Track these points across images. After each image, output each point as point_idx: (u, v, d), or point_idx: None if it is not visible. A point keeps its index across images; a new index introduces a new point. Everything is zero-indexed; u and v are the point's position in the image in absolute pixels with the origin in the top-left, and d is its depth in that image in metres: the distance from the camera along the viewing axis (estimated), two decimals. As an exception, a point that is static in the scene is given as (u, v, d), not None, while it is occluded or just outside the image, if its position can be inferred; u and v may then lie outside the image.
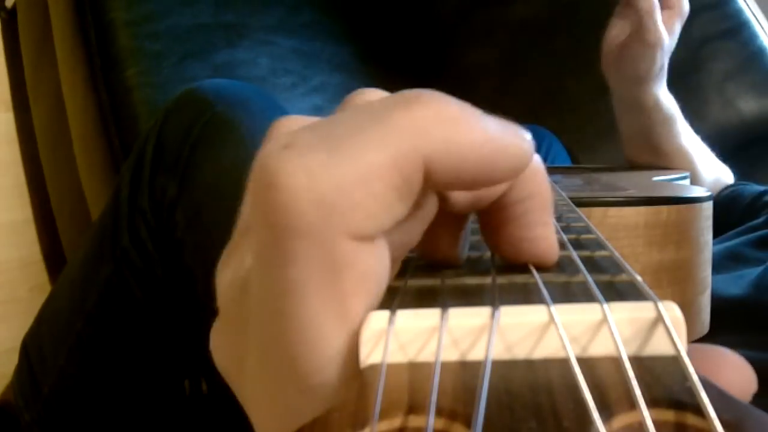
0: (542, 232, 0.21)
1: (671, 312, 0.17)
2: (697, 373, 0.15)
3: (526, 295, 0.19)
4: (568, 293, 0.19)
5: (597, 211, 0.49)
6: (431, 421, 0.14)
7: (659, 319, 0.17)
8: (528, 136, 0.19)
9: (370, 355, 0.17)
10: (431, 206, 0.20)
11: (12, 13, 1.28)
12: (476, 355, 0.17)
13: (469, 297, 0.19)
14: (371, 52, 1.28)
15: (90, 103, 0.99)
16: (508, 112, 0.21)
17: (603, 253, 0.24)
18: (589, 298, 0.18)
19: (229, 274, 0.20)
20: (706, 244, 0.53)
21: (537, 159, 0.20)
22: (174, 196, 0.72)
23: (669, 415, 0.14)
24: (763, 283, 0.60)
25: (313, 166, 0.16)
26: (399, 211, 0.17)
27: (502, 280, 0.21)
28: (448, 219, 0.22)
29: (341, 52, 1.24)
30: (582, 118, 1.18)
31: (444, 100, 0.18)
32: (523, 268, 0.22)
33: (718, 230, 0.79)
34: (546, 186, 0.20)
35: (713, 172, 0.87)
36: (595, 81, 0.99)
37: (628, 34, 0.77)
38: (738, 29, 1.19)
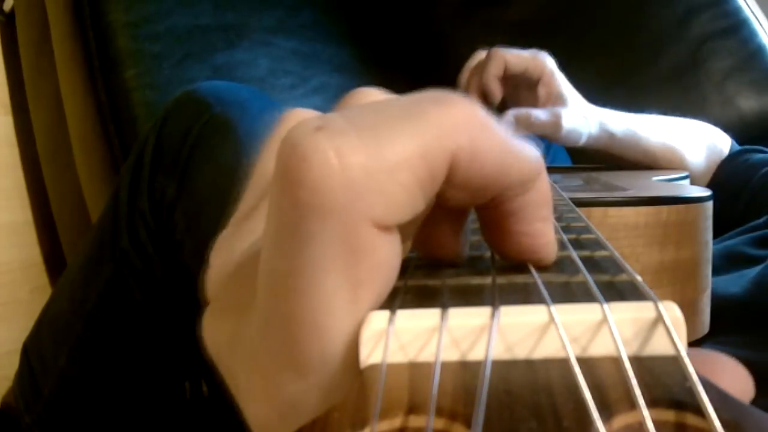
0: (541, 228, 0.21)
1: (671, 312, 0.17)
2: (697, 373, 0.15)
3: (526, 295, 0.19)
4: (568, 293, 0.19)
5: (597, 211, 0.49)
6: (431, 421, 0.14)
7: (659, 319, 0.17)
8: (538, 152, 0.20)
9: (370, 355, 0.17)
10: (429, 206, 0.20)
11: (10, 15, 1.28)
12: (476, 355, 0.17)
13: (469, 297, 0.19)
14: (371, 53, 1.28)
15: (89, 104, 0.99)
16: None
17: (603, 253, 0.24)
18: (589, 298, 0.18)
19: (225, 256, 0.20)
20: (706, 244, 0.53)
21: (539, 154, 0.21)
22: (173, 197, 0.72)
23: (669, 415, 0.14)
24: (763, 282, 0.60)
25: (345, 149, 0.16)
26: (420, 205, 0.18)
27: (502, 280, 0.21)
28: (448, 215, 0.22)
29: (341, 53, 1.24)
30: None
31: (474, 104, 0.18)
32: (523, 267, 0.22)
33: (734, 200, 0.80)
34: (545, 182, 0.20)
35: (701, 152, 0.87)
36: (595, 81, 0.99)
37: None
38: (737, 27, 1.19)
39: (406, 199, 0.17)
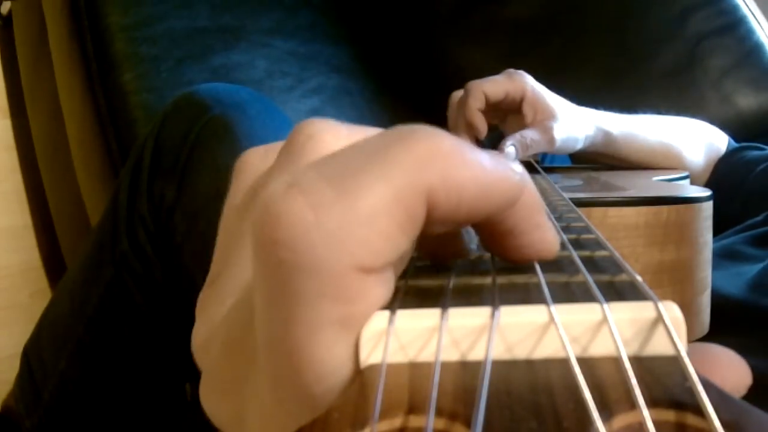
0: (538, 236, 0.21)
1: (671, 312, 0.17)
2: (697, 373, 0.15)
3: (526, 295, 0.19)
4: (568, 293, 0.19)
5: (597, 211, 0.49)
6: (431, 421, 0.14)
7: (659, 319, 0.17)
8: (519, 168, 0.19)
9: (370, 355, 0.17)
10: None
11: (8, 19, 1.28)
12: (476, 355, 0.17)
13: (469, 297, 0.19)
14: (369, 54, 1.28)
15: (87, 108, 0.99)
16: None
17: (603, 253, 0.24)
18: (589, 298, 0.18)
19: (207, 322, 0.20)
20: (706, 244, 0.53)
21: (528, 178, 0.21)
22: (172, 200, 0.72)
23: (669, 415, 0.14)
24: (761, 284, 0.60)
25: (319, 204, 0.16)
26: (404, 245, 0.17)
27: (502, 280, 0.21)
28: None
29: (339, 55, 1.24)
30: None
31: (438, 135, 0.18)
32: (523, 267, 0.22)
33: (731, 197, 0.80)
34: (532, 194, 0.20)
35: (699, 150, 0.87)
36: (594, 81, 0.99)
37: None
38: (735, 25, 1.19)
39: (388, 244, 0.17)
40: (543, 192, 0.47)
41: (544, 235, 0.21)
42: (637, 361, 0.16)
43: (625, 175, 0.73)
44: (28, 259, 1.26)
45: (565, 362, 0.16)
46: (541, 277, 0.20)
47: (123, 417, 0.78)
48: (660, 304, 0.17)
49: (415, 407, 0.15)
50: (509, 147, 0.76)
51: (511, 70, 0.80)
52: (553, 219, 0.31)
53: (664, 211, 0.50)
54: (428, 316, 0.17)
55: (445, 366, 0.16)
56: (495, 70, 0.81)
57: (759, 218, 0.74)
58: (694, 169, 0.84)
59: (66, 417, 0.78)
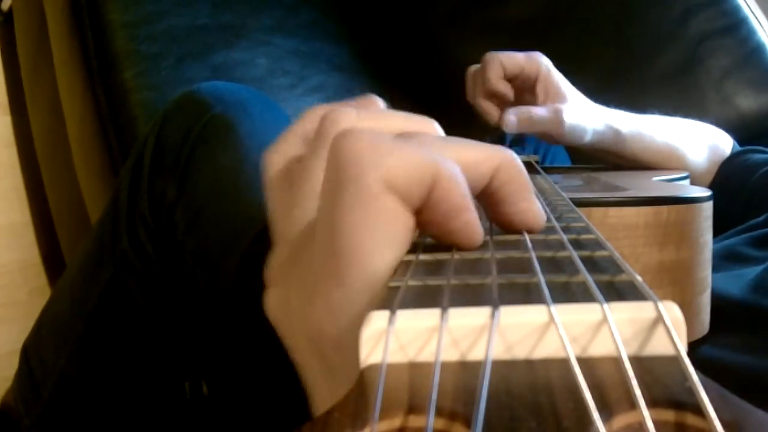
0: (526, 206, 0.27)
1: (671, 312, 0.17)
2: (697, 373, 0.15)
3: (526, 295, 0.19)
4: (568, 293, 0.19)
5: (597, 211, 0.49)
6: (431, 421, 0.14)
7: (659, 319, 0.17)
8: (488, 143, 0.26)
9: (370, 355, 0.17)
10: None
11: (8, 16, 1.28)
12: (476, 355, 0.17)
13: (469, 297, 0.19)
14: (369, 53, 1.28)
15: (88, 105, 0.99)
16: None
17: (603, 253, 0.24)
18: (589, 298, 0.18)
19: (282, 245, 0.30)
20: (706, 244, 0.53)
21: (509, 152, 0.26)
22: (173, 198, 0.72)
23: (669, 415, 0.14)
24: (762, 285, 0.60)
25: (377, 141, 0.24)
26: (422, 195, 0.24)
27: (502, 279, 0.21)
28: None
29: (339, 53, 1.23)
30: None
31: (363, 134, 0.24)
32: (523, 267, 0.22)
33: (733, 197, 0.80)
34: (521, 172, 0.26)
35: (703, 152, 0.86)
36: (595, 81, 0.99)
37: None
38: (736, 26, 1.19)
39: (400, 179, 0.23)
40: (543, 192, 0.47)
41: (530, 206, 0.27)
42: (637, 361, 0.16)
43: (625, 175, 0.73)
44: (28, 257, 1.26)
45: (565, 362, 0.16)
46: (541, 277, 0.20)
47: (122, 415, 0.78)
48: (660, 304, 0.17)
49: (415, 407, 0.15)
50: (510, 116, 0.76)
51: (531, 51, 0.80)
52: (546, 207, 0.32)
53: (664, 211, 0.49)
54: (428, 316, 0.17)
55: (445, 366, 0.16)
56: (496, 70, 0.81)
57: (760, 219, 0.73)
58: (697, 170, 0.84)
59: (65, 415, 0.78)
